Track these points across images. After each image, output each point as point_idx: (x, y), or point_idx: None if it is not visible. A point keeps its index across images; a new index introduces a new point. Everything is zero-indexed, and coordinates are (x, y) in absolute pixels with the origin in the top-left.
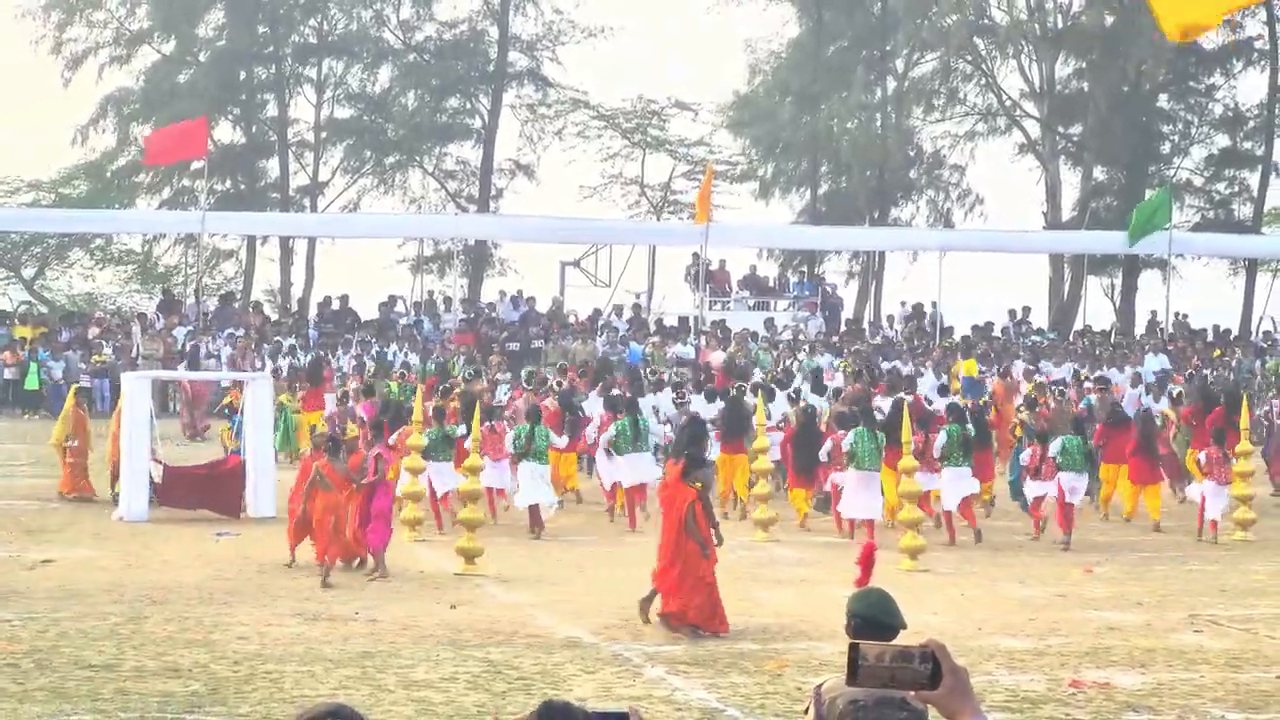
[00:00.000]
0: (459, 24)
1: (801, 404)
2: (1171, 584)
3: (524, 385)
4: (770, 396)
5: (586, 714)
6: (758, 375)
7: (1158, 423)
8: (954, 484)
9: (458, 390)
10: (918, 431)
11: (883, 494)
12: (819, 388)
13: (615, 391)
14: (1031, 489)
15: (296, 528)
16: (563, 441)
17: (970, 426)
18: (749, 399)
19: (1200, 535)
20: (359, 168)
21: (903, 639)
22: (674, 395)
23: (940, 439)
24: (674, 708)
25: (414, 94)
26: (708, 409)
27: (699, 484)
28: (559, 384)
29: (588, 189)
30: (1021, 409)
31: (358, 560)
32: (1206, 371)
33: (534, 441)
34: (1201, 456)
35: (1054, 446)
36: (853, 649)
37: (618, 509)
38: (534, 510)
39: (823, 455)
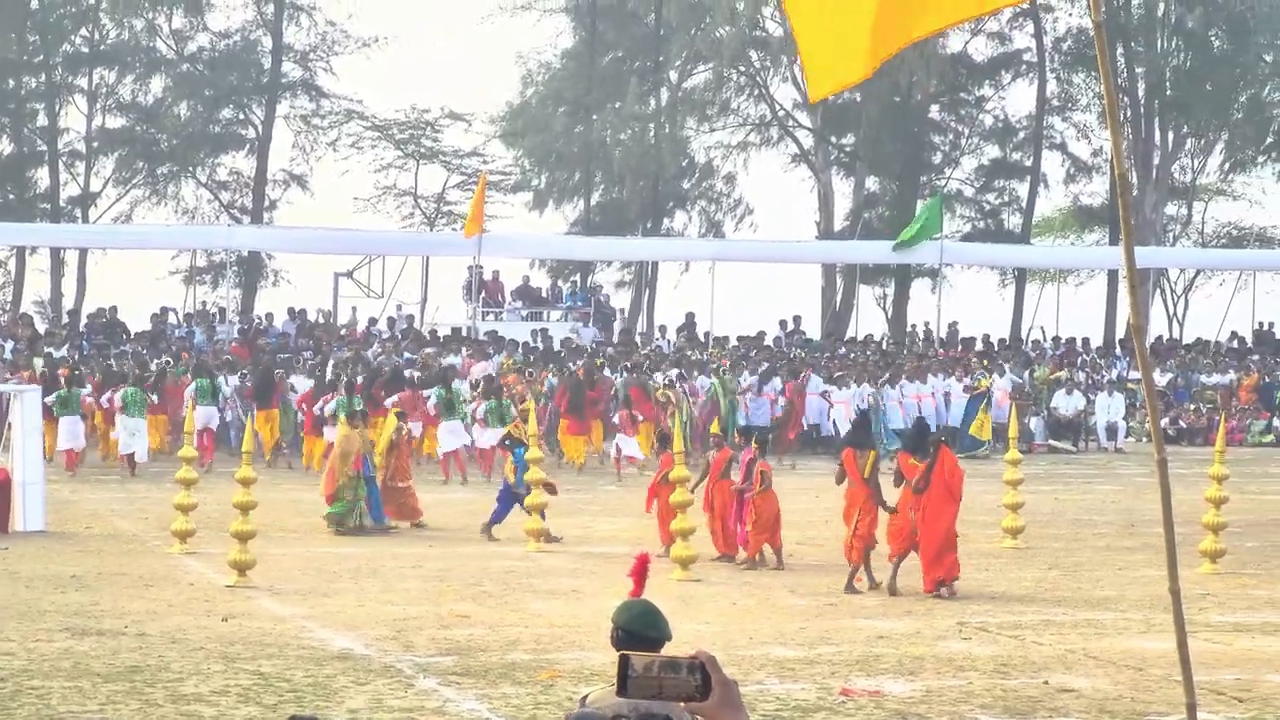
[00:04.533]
0: (232, 34)
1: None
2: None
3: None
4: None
5: None
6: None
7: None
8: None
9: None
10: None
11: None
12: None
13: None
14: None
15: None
16: None
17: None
18: None
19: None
20: (131, 178)
21: (672, 649)
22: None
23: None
24: (446, 719)
25: (187, 104)
26: None
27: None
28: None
29: (362, 200)
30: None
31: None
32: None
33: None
34: (616, 419)
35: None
36: (622, 660)
37: None
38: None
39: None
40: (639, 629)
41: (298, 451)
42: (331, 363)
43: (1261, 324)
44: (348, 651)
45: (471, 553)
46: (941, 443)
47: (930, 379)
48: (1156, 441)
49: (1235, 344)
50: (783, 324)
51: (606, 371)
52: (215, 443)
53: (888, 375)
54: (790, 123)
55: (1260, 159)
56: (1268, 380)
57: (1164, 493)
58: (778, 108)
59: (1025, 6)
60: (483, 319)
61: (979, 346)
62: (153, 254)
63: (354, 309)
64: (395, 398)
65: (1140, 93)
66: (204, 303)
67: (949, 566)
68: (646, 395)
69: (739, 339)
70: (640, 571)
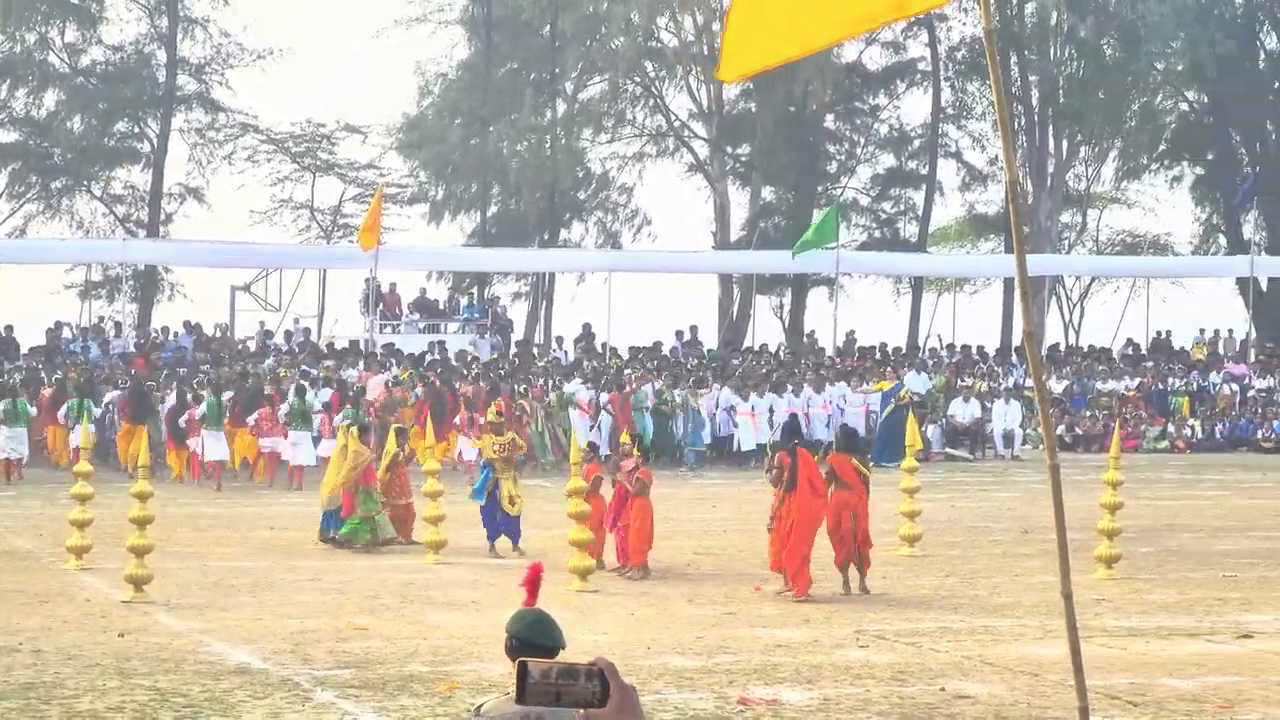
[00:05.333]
0: (126, 48)
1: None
2: (839, 600)
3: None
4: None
5: None
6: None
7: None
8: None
9: None
10: None
11: None
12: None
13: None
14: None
15: None
16: None
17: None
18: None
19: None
20: (24, 192)
21: (569, 658)
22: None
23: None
24: None
25: (81, 118)
26: None
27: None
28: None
29: (258, 213)
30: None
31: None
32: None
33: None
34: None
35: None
36: (520, 666)
37: None
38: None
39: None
40: (532, 637)
41: (162, 463)
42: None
43: (1159, 332)
44: (245, 666)
45: (369, 565)
46: (796, 446)
47: (828, 388)
48: (1049, 447)
49: (1130, 351)
50: (679, 334)
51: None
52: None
53: (790, 386)
54: (686, 133)
55: (1153, 166)
56: (1160, 387)
57: (1056, 498)
58: (673, 118)
59: (920, 16)
60: (380, 331)
61: (877, 355)
62: (47, 268)
63: (261, 323)
64: (256, 414)
65: (1034, 101)
66: (100, 317)
67: (803, 581)
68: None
69: (631, 349)
70: (533, 581)
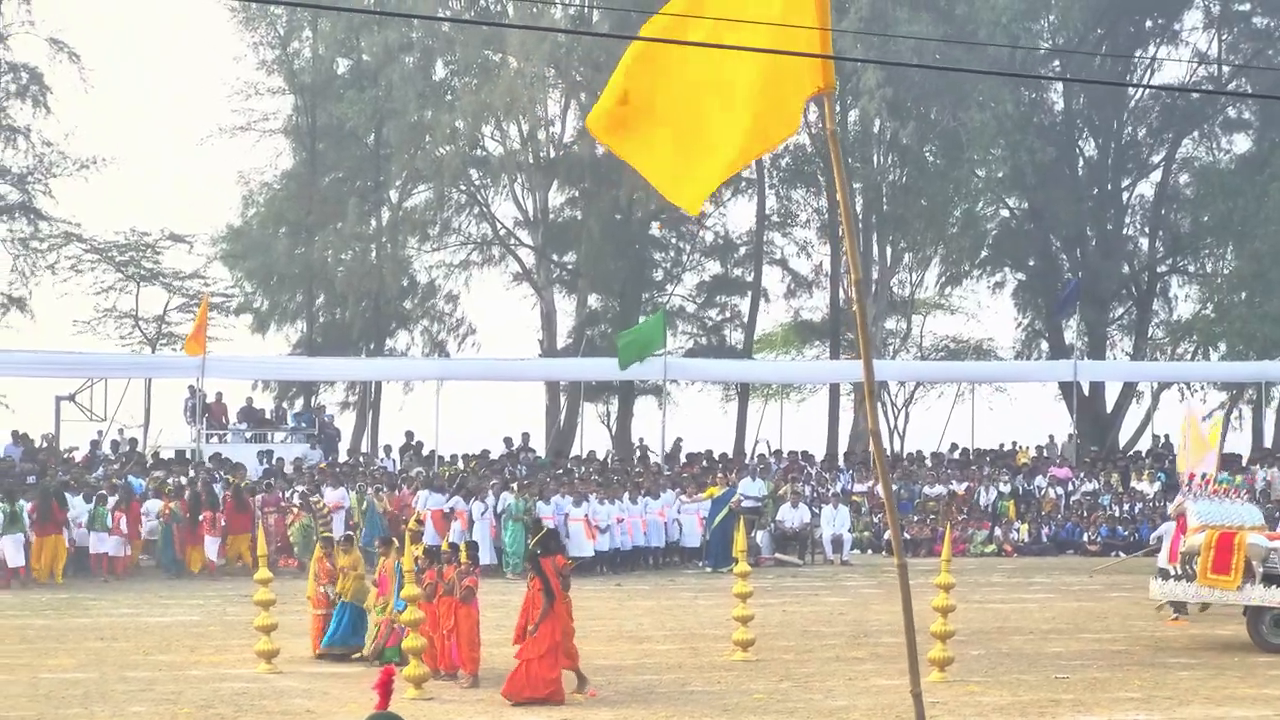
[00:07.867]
0: None
1: None
2: (675, 705)
3: None
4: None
5: None
6: None
7: None
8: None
9: None
10: None
11: None
12: None
13: None
14: None
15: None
16: None
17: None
18: None
19: None
20: None
21: None
22: None
23: None
24: None
25: None
26: None
27: None
28: None
29: (82, 323)
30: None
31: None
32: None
33: None
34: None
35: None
36: None
37: None
38: None
39: None
40: None
41: None
42: None
43: (1003, 444)
44: None
45: (202, 675)
46: (537, 555)
47: (662, 495)
48: (896, 545)
49: (956, 455)
50: (508, 441)
51: (328, 489)
52: None
53: (627, 492)
54: (512, 241)
55: (976, 273)
56: (987, 490)
57: (905, 595)
58: (499, 226)
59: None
60: (207, 441)
61: (704, 462)
62: None
63: (100, 432)
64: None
65: (858, 207)
66: None
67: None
68: (242, 506)
69: (449, 456)
70: (385, 685)
